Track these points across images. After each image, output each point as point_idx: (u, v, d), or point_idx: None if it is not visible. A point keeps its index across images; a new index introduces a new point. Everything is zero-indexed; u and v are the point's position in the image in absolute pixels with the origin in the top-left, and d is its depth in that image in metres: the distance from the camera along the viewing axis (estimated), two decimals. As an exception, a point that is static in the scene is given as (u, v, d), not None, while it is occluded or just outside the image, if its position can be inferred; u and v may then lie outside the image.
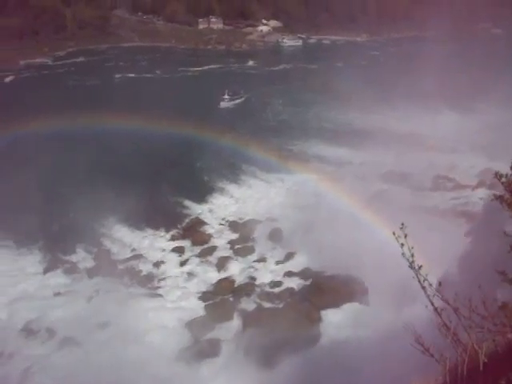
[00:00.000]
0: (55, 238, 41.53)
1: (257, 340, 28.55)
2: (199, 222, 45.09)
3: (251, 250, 40.19)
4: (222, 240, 42.34)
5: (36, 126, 60.17)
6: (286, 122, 70.86)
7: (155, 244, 42.48)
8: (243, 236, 42.26)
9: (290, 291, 34.43)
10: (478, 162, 48.72)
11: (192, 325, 31.30)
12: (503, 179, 6.04)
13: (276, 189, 50.76)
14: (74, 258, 40.06)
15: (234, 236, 42.74)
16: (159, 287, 36.29)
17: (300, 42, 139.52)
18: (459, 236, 28.91)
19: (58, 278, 37.53)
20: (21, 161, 52.56)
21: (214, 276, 37.27)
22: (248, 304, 33.28)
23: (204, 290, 35.61)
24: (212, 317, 31.95)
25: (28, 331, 31.80)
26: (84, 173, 47.23)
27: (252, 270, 37.52)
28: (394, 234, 5.73)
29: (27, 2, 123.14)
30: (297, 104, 79.12)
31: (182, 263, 39.45)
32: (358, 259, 30.77)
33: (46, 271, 38.41)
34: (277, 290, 34.91)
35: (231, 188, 51.53)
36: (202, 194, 49.97)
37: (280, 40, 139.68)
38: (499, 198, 6.09)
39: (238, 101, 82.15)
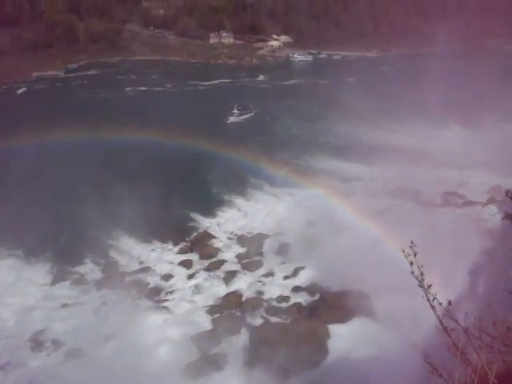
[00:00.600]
0: (63, 249, 41.65)
1: (264, 355, 28.40)
2: (207, 236, 45.08)
3: (259, 264, 40.09)
4: (230, 254, 42.30)
5: (47, 137, 60.77)
6: (296, 137, 70.87)
7: (163, 257, 42.52)
8: (251, 250, 42.14)
9: (297, 306, 34.26)
10: (488, 178, 48.50)
11: (199, 338, 31.15)
12: (514, 198, 6.01)
13: (284, 203, 50.66)
14: (81, 269, 40.21)
15: (242, 250, 42.67)
16: (167, 300, 36.23)
17: (310, 58, 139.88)
18: (470, 254, 28.66)
19: (65, 289, 37.71)
20: (31, 171, 53.00)
21: (221, 290, 37.17)
22: (255, 318, 33.15)
23: (211, 303, 35.48)
24: (219, 331, 31.78)
25: (35, 342, 31.91)
26: (93, 184, 47.38)
27: (260, 284, 37.41)
28: (403, 251, 5.70)
29: (41, 14, 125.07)
30: (306, 119, 79.24)
31: (190, 276, 39.41)
32: (366, 275, 30.60)
33: (53, 282, 38.58)
34: (284, 304, 34.75)
35: (240, 202, 51.53)
36: (210, 207, 50.01)
37: (290, 55, 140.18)
38: (510, 216, 6.06)
39: (247, 115, 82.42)
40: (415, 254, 5.66)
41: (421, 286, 5.51)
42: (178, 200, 50.20)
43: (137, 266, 41.02)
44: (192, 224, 47.55)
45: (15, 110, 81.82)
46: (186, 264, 41.04)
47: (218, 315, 33.75)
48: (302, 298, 35.05)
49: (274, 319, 33.07)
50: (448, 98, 62.32)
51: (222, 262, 40.95)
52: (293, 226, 43.43)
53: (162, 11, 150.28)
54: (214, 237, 44.99)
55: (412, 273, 5.49)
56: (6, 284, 38.27)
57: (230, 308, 34.63)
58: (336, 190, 49.88)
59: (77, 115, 74.10)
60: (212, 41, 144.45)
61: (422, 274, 5.50)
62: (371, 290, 31.04)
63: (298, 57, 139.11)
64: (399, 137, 62.43)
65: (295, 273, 38.08)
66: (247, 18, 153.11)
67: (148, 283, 38.39)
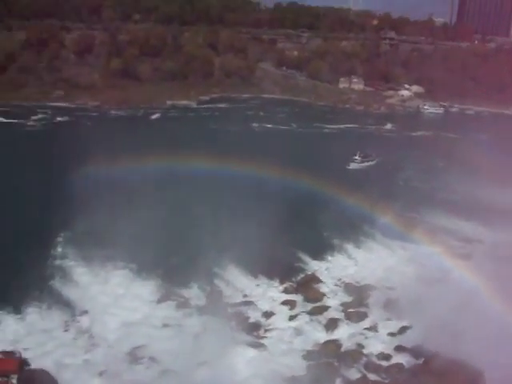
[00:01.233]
0: (173, 270, 43.01)
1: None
2: (314, 279, 44.55)
3: (363, 316, 38.83)
4: (335, 301, 41.47)
5: (174, 162, 63.98)
6: (416, 189, 68.52)
7: (267, 293, 42.52)
8: (357, 300, 41.08)
9: (398, 367, 32.69)
10: None
11: (291, 382, 30.50)
12: None
13: (397, 257, 48.92)
14: (187, 292, 41.25)
15: (348, 299, 41.67)
16: (265, 337, 36.08)
17: (441, 110, 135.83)
18: None
19: (169, 310, 38.82)
20: (157, 192, 56.27)
21: (321, 336, 36.35)
22: (352, 372, 32.01)
23: (309, 348, 34.76)
24: (314, 378, 30.91)
25: (133, 356, 33.03)
26: (208, 213, 48.67)
27: (362, 337, 36.17)
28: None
29: (181, 48, 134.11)
30: (430, 172, 76.73)
31: (291, 317, 38.97)
32: (480, 347, 28.26)
33: (159, 301, 39.92)
34: (385, 363, 33.30)
35: (351, 248, 50.49)
36: (320, 250, 49.48)
37: (421, 106, 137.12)
38: None
39: (368, 163, 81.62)
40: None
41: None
42: (289, 238, 50.18)
43: (240, 299, 41.35)
44: (300, 264, 47.26)
45: (148, 134, 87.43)
46: (290, 304, 40.68)
47: (314, 362, 32.93)
48: (404, 359, 33.39)
49: (372, 376, 31.78)
50: None
51: (326, 307, 40.14)
52: (404, 282, 41.76)
53: (296, 53, 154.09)
54: (320, 281, 44.37)
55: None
56: (116, 296, 40.18)
57: (328, 356, 33.65)
58: (453, 249, 47.61)
59: (205, 144, 77.27)
60: (341, 85, 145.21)
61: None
62: (483, 363, 28.59)
63: (429, 108, 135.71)
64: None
65: (401, 331, 36.45)
66: (379, 65, 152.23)
67: (249, 317, 38.45)
